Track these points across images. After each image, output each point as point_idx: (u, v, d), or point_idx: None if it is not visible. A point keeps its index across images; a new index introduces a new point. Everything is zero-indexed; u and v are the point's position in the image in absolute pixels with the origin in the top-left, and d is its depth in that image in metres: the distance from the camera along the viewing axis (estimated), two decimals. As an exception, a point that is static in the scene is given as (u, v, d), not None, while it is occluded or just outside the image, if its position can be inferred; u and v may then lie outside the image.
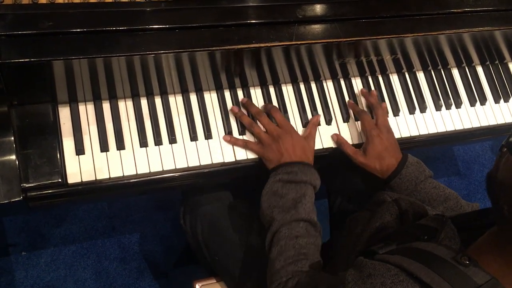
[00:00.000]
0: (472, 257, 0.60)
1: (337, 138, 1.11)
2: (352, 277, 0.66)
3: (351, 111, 1.15)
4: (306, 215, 0.91)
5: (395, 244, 0.71)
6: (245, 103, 1.08)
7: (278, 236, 0.89)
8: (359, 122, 1.13)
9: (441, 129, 1.20)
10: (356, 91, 1.17)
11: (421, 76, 1.23)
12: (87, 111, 1.00)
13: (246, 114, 1.07)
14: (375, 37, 1.02)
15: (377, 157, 1.03)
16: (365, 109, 1.16)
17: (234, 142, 1.05)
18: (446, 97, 1.23)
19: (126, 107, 1.02)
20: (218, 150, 1.04)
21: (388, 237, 0.78)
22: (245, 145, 1.04)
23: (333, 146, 1.11)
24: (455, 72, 1.26)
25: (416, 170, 1.01)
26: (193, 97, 1.07)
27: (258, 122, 1.06)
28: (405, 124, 1.18)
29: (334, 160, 1.13)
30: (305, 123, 1.11)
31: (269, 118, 1.06)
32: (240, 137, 1.06)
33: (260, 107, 1.09)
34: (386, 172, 1.03)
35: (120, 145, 0.99)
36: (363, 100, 1.17)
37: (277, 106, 1.11)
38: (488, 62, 1.29)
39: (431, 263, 0.60)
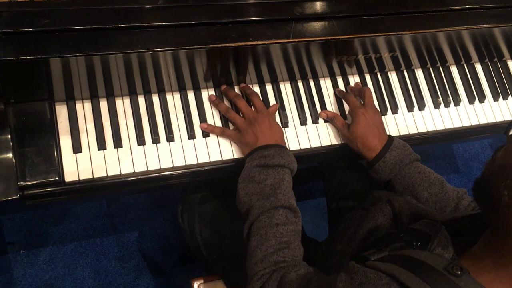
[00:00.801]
0: (465, 267, 0.59)
1: (327, 114, 1.11)
2: (343, 284, 0.65)
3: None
4: (286, 201, 0.87)
5: (387, 250, 0.70)
6: (224, 89, 1.07)
7: (257, 225, 0.85)
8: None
9: (439, 127, 1.20)
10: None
11: (419, 74, 1.23)
12: (84, 109, 0.99)
13: (223, 102, 1.06)
14: (373, 35, 1.02)
15: (360, 135, 1.03)
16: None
17: (211, 129, 1.03)
18: (444, 95, 1.23)
19: (123, 105, 1.02)
20: (216, 148, 1.04)
21: (380, 240, 0.77)
22: (222, 132, 1.03)
23: (331, 144, 1.11)
24: (454, 70, 1.26)
25: (401, 154, 1.00)
26: (190, 95, 1.06)
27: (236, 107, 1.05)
28: (404, 122, 1.17)
29: (332, 158, 1.13)
30: (303, 121, 1.10)
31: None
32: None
33: (238, 91, 1.08)
34: (369, 152, 1.02)
35: (118, 143, 0.99)
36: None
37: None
38: (487, 60, 1.28)
39: (422, 272, 0.59)
